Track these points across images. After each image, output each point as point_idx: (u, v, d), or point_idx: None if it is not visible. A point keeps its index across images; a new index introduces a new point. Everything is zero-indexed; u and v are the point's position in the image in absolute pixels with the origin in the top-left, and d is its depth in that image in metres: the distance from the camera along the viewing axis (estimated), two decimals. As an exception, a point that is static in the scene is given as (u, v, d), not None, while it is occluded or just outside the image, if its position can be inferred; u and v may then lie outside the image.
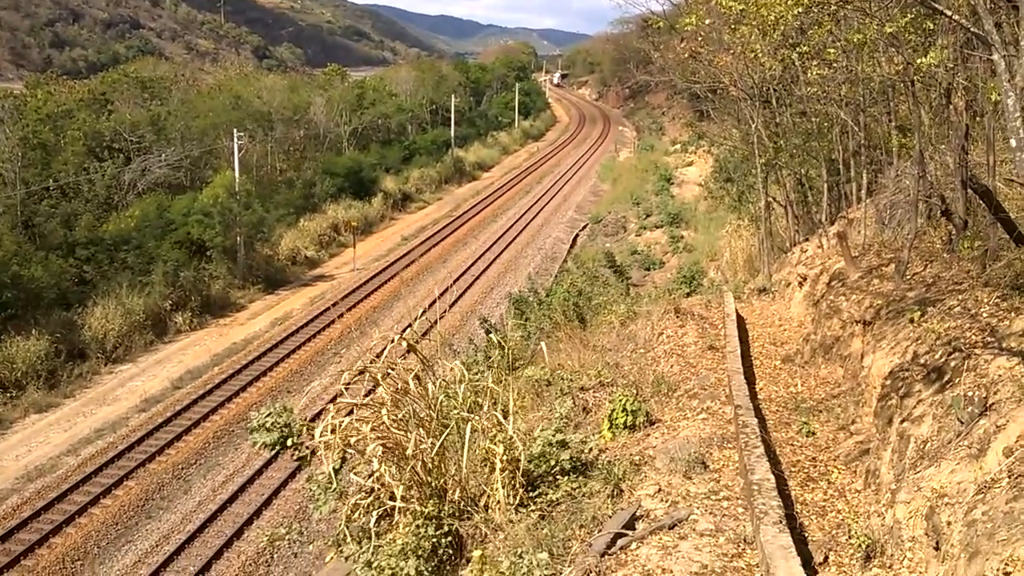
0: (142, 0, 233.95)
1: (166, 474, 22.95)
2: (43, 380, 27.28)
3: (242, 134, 42.10)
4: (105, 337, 30.35)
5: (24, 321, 28.59)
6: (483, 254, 46.05)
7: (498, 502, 8.10)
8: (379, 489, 7.83)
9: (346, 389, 9.00)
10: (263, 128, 52.25)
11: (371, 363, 8.37)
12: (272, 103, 56.24)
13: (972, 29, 8.22)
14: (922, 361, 9.73)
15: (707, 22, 18.35)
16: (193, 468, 23.44)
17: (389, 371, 8.10)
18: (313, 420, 8.52)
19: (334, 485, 7.84)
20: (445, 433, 8.01)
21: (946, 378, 8.94)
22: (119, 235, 35.89)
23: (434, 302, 33.67)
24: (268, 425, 7.91)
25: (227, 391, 27.77)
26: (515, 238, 50.25)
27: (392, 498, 7.71)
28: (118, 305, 31.27)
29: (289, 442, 7.99)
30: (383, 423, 7.67)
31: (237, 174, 40.97)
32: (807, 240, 21.05)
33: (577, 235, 51.33)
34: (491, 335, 20.89)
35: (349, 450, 7.86)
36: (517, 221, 54.61)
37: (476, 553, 7.38)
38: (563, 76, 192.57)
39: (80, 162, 40.06)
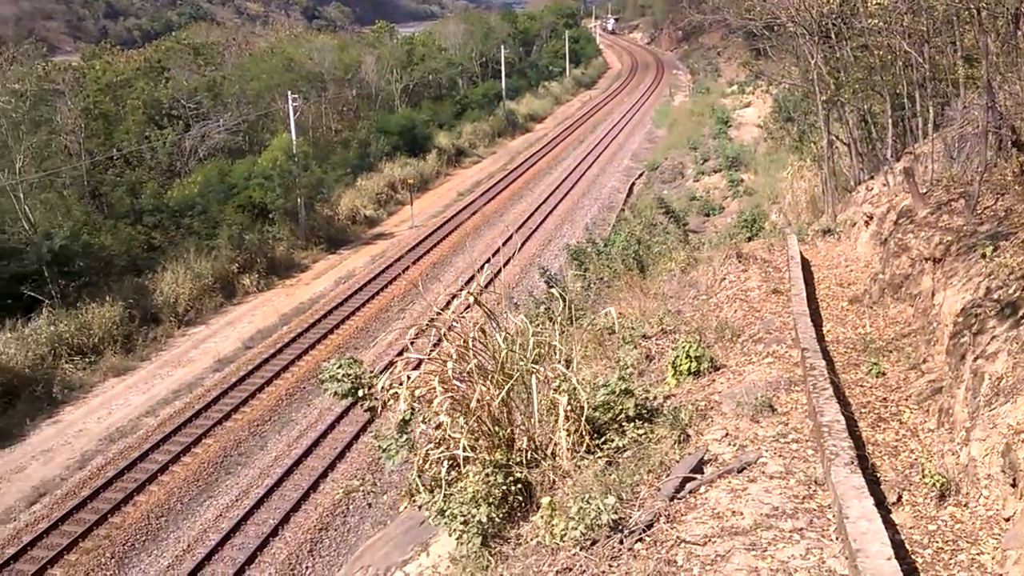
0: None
1: (242, 431, 23.71)
2: (119, 344, 28.27)
3: (296, 96, 42.42)
4: (176, 301, 31.26)
5: (98, 288, 29.59)
6: (539, 206, 45.91)
7: (566, 449, 8.20)
8: (448, 439, 8.00)
9: (411, 344, 9.16)
10: (316, 89, 52.51)
11: (436, 317, 8.49)
12: (323, 64, 56.39)
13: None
14: (995, 296, 9.49)
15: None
16: (268, 425, 24.16)
17: (453, 325, 8.21)
18: (382, 372, 8.66)
19: (404, 436, 8.03)
20: (509, 384, 8.10)
21: (1020, 313, 8.72)
22: (183, 201, 36.71)
23: (493, 254, 33.87)
24: (339, 376, 8.13)
25: (297, 349, 28.45)
26: (571, 189, 49.93)
27: (461, 448, 7.87)
28: (187, 269, 32.13)
29: (360, 392, 8.19)
30: (449, 376, 7.80)
31: (294, 136, 41.42)
32: (872, 178, 20.50)
33: (633, 183, 50.77)
34: (552, 288, 20.99)
35: (417, 402, 8.02)
36: (572, 172, 54.20)
37: (545, 500, 7.52)
38: (616, 21, 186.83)
39: (141, 131, 40.89)
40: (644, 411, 9.31)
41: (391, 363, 24.69)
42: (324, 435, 23.16)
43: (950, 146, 16.27)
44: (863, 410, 9.89)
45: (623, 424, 9.03)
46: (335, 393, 8.11)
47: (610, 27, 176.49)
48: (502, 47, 78.71)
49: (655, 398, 9.95)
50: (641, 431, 8.95)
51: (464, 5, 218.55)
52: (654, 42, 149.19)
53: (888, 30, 18.83)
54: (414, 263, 37.12)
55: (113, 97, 41.86)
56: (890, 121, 20.20)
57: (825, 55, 22.04)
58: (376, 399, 8.26)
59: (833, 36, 21.75)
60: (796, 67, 26.34)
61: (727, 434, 8.95)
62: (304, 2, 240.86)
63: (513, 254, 36.04)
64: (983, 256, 10.47)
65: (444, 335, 8.13)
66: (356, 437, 22.82)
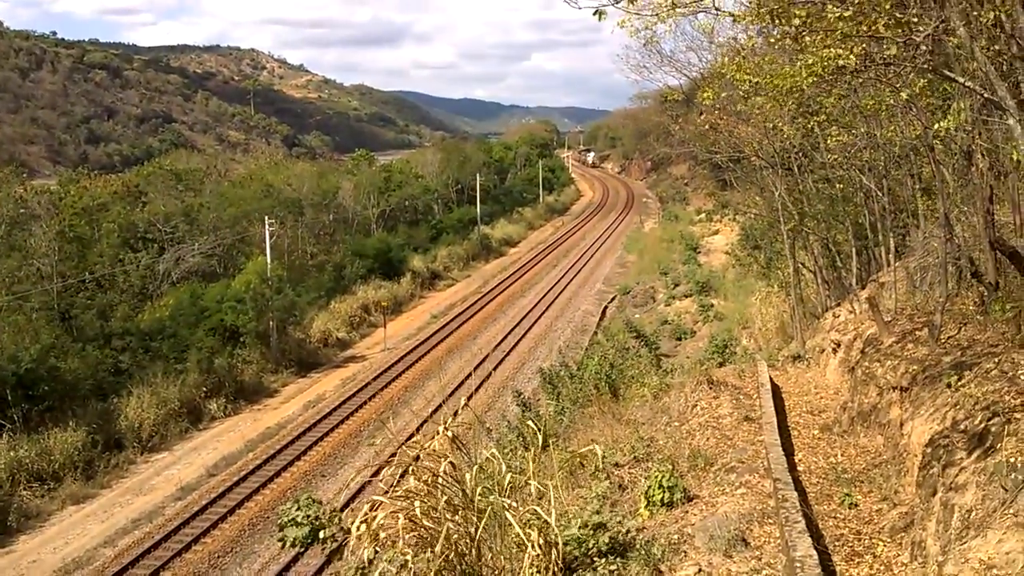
0: (174, 96, 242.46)
1: (202, 564, 22.78)
2: (80, 471, 27.42)
3: (273, 221, 43.00)
4: (141, 426, 30.57)
5: (61, 412, 28.94)
6: (513, 329, 46.11)
7: (534, 588, 7.95)
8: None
9: (374, 478, 8.97)
10: (293, 214, 53.36)
11: (402, 448, 8.36)
12: (302, 189, 57.56)
13: (987, 95, 8.29)
14: (962, 427, 9.54)
15: (723, 95, 18.60)
16: (229, 557, 23.25)
17: (418, 459, 8.07)
18: (344, 508, 8.45)
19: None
20: (478, 519, 7.93)
21: (987, 444, 8.75)
22: (154, 324, 36.52)
23: (465, 378, 33.70)
24: (298, 519, 7.89)
25: (262, 477, 27.72)
26: (544, 312, 50.32)
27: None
28: (153, 394, 31.58)
29: (321, 534, 7.95)
30: (416, 513, 7.62)
31: (269, 260, 41.72)
32: (839, 305, 20.89)
33: (606, 307, 51.31)
34: (525, 414, 20.83)
35: (379, 544, 7.80)
36: (545, 295, 54.77)
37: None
38: (601, 158, 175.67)
39: (115, 254, 41.07)
40: (617, 545, 9.10)
41: (359, 491, 24.17)
42: (287, 568, 22.26)
43: (912, 275, 16.70)
44: (837, 543, 9.75)
45: (595, 559, 8.80)
46: (294, 540, 7.87)
47: (590, 160, 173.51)
48: (477, 174, 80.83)
49: (628, 531, 9.75)
50: (613, 567, 8.71)
51: (442, 135, 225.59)
52: (624, 172, 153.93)
53: (848, 164, 19.62)
54: (385, 387, 36.81)
55: (89, 220, 42.17)
56: (854, 250, 20.78)
57: (788, 186, 22.85)
58: (337, 540, 8.02)
59: (795, 169, 22.60)
60: (761, 197, 27.25)
61: (700, 570, 8.75)
62: (284, 131, 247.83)
63: (484, 380, 35.93)
64: (948, 386, 10.58)
65: (411, 471, 7.98)
66: (320, 571, 21.97)
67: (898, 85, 12.15)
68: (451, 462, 8.04)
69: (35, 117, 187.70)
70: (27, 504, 25.51)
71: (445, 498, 7.77)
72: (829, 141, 19.46)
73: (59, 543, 23.97)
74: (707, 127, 23.59)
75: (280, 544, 21.10)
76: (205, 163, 70.92)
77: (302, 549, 18.54)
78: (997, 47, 8.42)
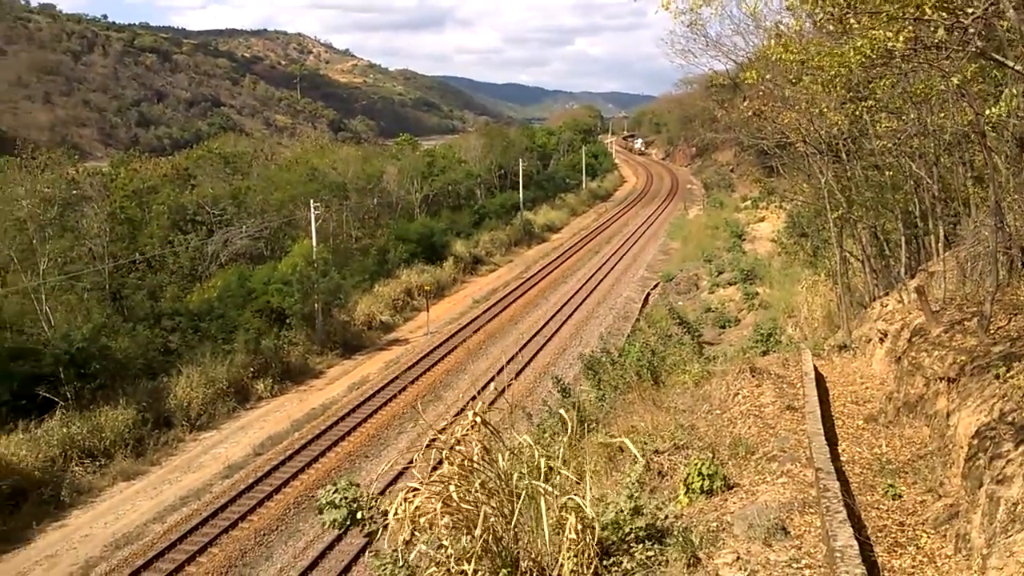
0: (223, 80, 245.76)
1: (248, 541, 23.27)
2: (130, 448, 28.15)
3: (318, 204, 43.47)
4: (189, 405, 31.25)
5: (112, 391, 29.68)
6: (554, 315, 46.10)
7: (569, 572, 7.99)
8: (448, 562, 7.82)
9: (413, 463, 9.07)
10: (338, 198, 53.85)
11: (440, 434, 8.44)
12: (347, 174, 58.03)
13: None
14: (1010, 419, 9.36)
15: (767, 77, 18.31)
16: (274, 535, 23.72)
17: (455, 445, 8.13)
18: (383, 492, 8.57)
19: (402, 561, 7.86)
20: (515, 503, 7.99)
21: (1037, 438, 8.58)
22: (202, 305, 37.19)
23: (504, 367, 33.84)
24: (336, 501, 8.01)
25: (307, 456, 28.18)
26: (586, 298, 50.22)
27: (463, 572, 7.68)
28: (202, 374, 32.26)
29: (358, 515, 8.07)
30: (451, 496, 7.70)
31: (314, 243, 42.22)
32: (886, 294, 20.53)
33: (649, 294, 51.02)
34: (564, 399, 20.87)
35: (418, 525, 7.89)
36: (587, 281, 54.63)
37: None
38: (647, 144, 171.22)
39: (165, 235, 41.89)
40: (654, 531, 9.10)
41: (400, 474, 24.46)
42: (331, 546, 22.66)
43: (963, 265, 16.34)
44: (879, 534, 9.64)
45: (632, 545, 8.82)
46: (332, 522, 8.00)
47: (636, 146, 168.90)
48: (520, 160, 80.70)
49: (666, 517, 9.75)
50: (651, 553, 8.73)
51: (485, 120, 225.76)
52: (668, 158, 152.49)
53: (898, 150, 19.20)
54: (428, 370, 37.11)
55: (139, 202, 43.04)
56: (903, 239, 20.37)
57: (836, 173, 22.42)
58: (375, 522, 8.14)
59: (844, 155, 22.17)
60: (807, 184, 26.78)
61: (738, 558, 8.72)
62: (330, 115, 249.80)
63: (524, 366, 36.01)
64: (997, 377, 10.38)
65: (446, 456, 8.06)
66: (363, 549, 22.30)
67: (948, 70, 11.89)
68: (484, 446, 8.10)
69: (87, 100, 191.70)
70: (79, 480, 26.25)
71: (479, 481, 7.84)
72: (878, 127, 19.08)
73: (110, 518, 24.65)
74: (751, 113, 23.23)
75: (322, 526, 21.55)
76: (252, 147, 71.80)
77: (341, 531, 18.87)
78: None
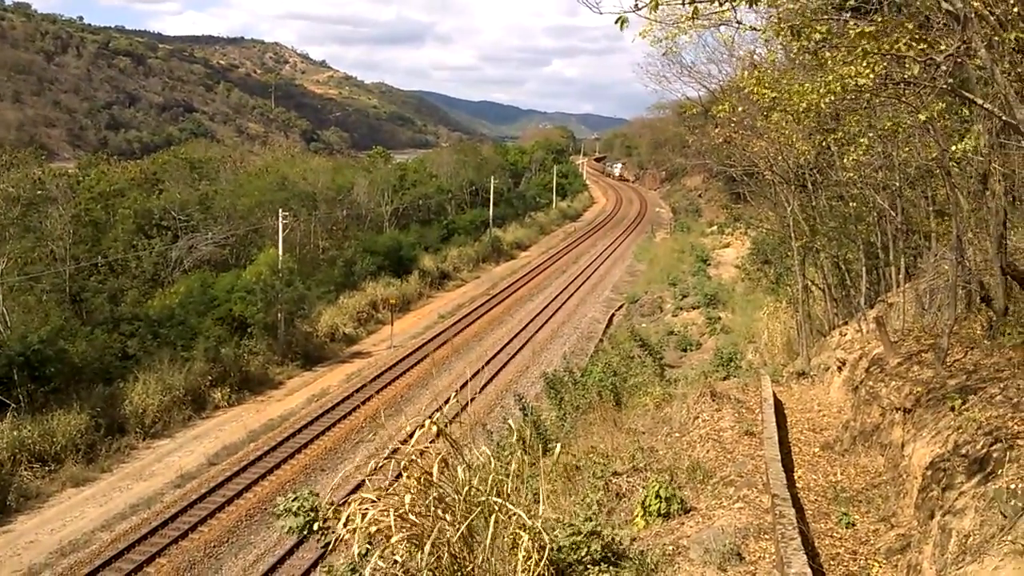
0: (197, 86, 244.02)
1: (198, 552, 22.82)
2: (81, 454, 27.54)
3: (287, 213, 43.13)
4: (144, 412, 30.67)
5: (66, 395, 29.07)
6: (519, 332, 46.08)
7: (524, 593, 7.92)
8: (403, 576, 7.72)
9: (371, 477, 8.98)
10: (307, 208, 53.52)
11: (398, 447, 8.35)
12: (317, 184, 57.72)
13: (1004, 118, 8.23)
14: (963, 451, 9.47)
15: (739, 109, 18.55)
16: (225, 547, 23.29)
17: (413, 458, 8.06)
18: (342, 503, 8.44)
19: (354, 571, 7.76)
20: (469, 520, 7.91)
21: (988, 469, 8.69)
22: (163, 311, 36.66)
23: (466, 383, 33.73)
24: (295, 509, 7.92)
25: (261, 468, 27.77)
26: (551, 317, 50.29)
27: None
28: (158, 380, 31.69)
29: (316, 526, 7.97)
30: (407, 511, 7.62)
31: (281, 252, 41.85)
32: (846, 324, 20.80)
33: (613, 315, 51.22)
34: (525, 417, 20.80)
35: (373, 538, 7.79)
36: (553, 300, 54.73)
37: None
38: (622, 166, 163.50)
39: (129, 239, 41.29)
40: (610, 554, 9.07)
41: (357, 487, 24.15)
42: (282, 560, 22.31)
43: (922, 297, 16.60)
44: (832, 562, 9.69)
45: (588, 567, 8.77)
46: (290, 529, 7.89)
47: (616, 172, 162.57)
48: (492, 177, 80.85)
49: (622, 540, 9.72)
50: (606, 575, 8.69)
51: (459, 136, 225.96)
52: (638, 180, 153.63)
53: (863, 182, 19.50)
54: (389, 384, 36.85)
55: (105, 205, 42.40)
56: (864, 269, 20.67)
57: (801, 203, 22.75)
58: (332, 533, 8.04)
59: (809, 185, 22.50)
60: (773, 212, 27.15)
61: (693, 582, 8.70)
62: (303, 125, 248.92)
63: (487, 382, 35.90)
64: (952, 409, 10.51)
65: (404, 468, 7.97)
66: (315, 564, 21.99)
67: (917, 106, 12.11)
68: (444, 460, 8.03)
69: (58, 100, 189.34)
70: (27, 484, 25.65)
71: (435, 495, 7.76)
72: (846, 160, 19.38)
73: (57, 525, 24.07)
74: (721, 141, 23.51)
75: (278, 533, 21.15)
76: (222, 153, 71.18)
77: (298, 539, 18.52)
78: (1019, 70, 8.37)
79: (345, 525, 7.60)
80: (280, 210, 43.01)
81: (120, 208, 42.91)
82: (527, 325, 47.83)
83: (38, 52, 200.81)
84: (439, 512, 7.81)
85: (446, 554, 7.78)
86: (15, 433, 26.48)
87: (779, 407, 16.22)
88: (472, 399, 31.75)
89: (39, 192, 38.47)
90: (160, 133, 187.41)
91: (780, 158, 21.83)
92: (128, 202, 43.66)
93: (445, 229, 69.82)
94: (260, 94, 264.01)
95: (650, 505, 11.25)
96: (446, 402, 9.55)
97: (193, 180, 51.52)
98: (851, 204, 20.98)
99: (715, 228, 68.35)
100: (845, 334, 19.53)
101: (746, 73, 17.81)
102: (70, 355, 30.14)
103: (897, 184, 18.37)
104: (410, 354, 41.29)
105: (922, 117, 11.95)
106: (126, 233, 41.54)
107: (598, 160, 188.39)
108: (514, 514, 8.16)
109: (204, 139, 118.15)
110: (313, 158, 76.75)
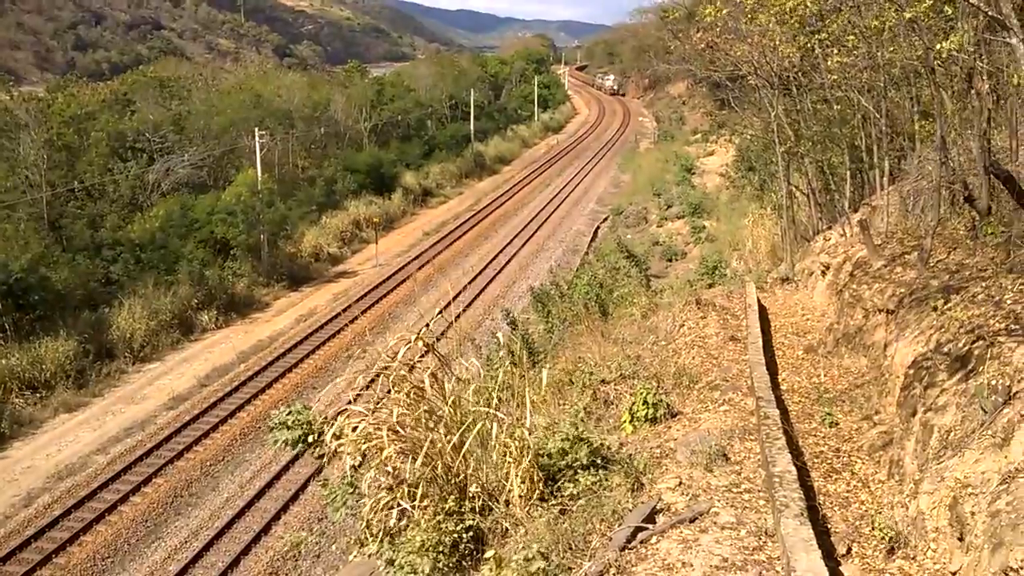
0: (163, 1, 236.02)
1: (194, 471, 23.20)
2: (72, 380, 27.63)
3: (263, 133, 42.34)
4: (132, 337, 30.67)
5: (52, 322, 28.98)
6: (504, 247, 46.06)
7: (518, 497, 8.11)
8: (397, 487, 7.87)
9: (363, 392, 9.07)
10: (284, 126, 52.50)
11: (388, 364, 8.39)
12: (292, 101, 56.52)
13: (991, 13, 8.08)
14: (945, 350, 9.62)
15: (724, 12, 18.14)
16: (221, 465, 23.68)
17: (403, 372, 8.12)
18: (335, 418, 8.52)
19: (351, 485, 7.90)
20: (461, 431, 8.02)
21: (970, 367, 8.85)
22: (144, 235, 36.29)
23: (452, 300, 33.86)
24: (289, 423, 8.00)
25: (253, 388, 28.02)
26: (536, 231, 50.22)
27: (412, 496, 7.74)
28: (145, 305, 31.60)
29: (310, 439, 8.07)
30: (397, 423, 7.71)
31: (259, 172, 41.27)
32: (830, 228, 20.86)
33: (598, 227, 51.18)
34: (513, 331, 20.96)
35: (367, 451, 7.91)
36: (538, 214, 54.55)
37: (490, 552, 7.41)
38: (614, 79, 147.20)
39: (104, 163, 40.49)
40: (599, 458, 9.26)
41: (343, 409, 24.47)
42: (278, 476, 22.74)
43: (905, 199, 16.61)
44: (816, 460, 9.94)
45: (577, 471, 8.96)
46: (284, 442, 7.98)
47: (608, 85, 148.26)
48: (472, 90, 79.38)
49: (610, 445, 9.90)
50: (595, 479, 8.89)
51: (436, 48, 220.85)
52: (621, 89, 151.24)
53: (847, 85, 19.25)
54: (377, 302, 36.95)
55: (77, 129, 41.41)
56: (848, 173, 20.62)
57: (786, 107, 22.49)
58: (327, 446, 8.14)
59: (794, 89, 22.22)
60: (758, 118, 26.88)
61: (681, 483, 8.92)
62: (275, 40, 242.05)
63: (474, 298, 36.05)
64: (934, 309, 10.64)
65: (394, 384, 8.03)
66: (311, 478, 22.41)
67: (902, 3, 11.87)
68: (433, 374, 8.10)
69: (21, 22, 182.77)
70: (19, 412, 25.78)
71: (426, 408, 7.85)
72: (830, 61, 19.09)
73: (52, 450, 24.32)
74: (705, 45, 23.06)
75: (273, 451, 21.44)
76: (193, 71, 69.33)
77: (293, 454, 18.79)
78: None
79: (338, 438, 7.70)
80: (256, 129, 42.19)
81: (93, 131, 41.89)
82: (512, 240, 47.77)
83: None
84: (430, 424, 7.92)
85: (440, 464, 7.93)
86: (3, 361, 26.49)
87: (763, 312, 16.38)
88: (459, 315, 31.92)
89: (8, 119, 37.55)
90: (129, 52, 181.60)
91: (764, 61, 21.46)
92: (101, 125, 42.61)
93: (426, 145, 68.83)
94: (229, 8, 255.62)
95: (637, 411, 11.44)
96: (434, 317, 9.57)
97: (165, 100, 50.31)
98: (835, 107, 20.79)
99: (699, 136, 67.75)
100: (829, 239, 19.61)
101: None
102: (53, 282, 29.93)
103: (882, 85, 18.15)
104: (396, 272, 41.29)
105: (907, 15, 11.75)
106: (101, 157, 40.68)
107: (579, 69, 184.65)
108: (504, 423, 8.30)
109: (174, 57, 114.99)
110: (287, 74, 74.72)
